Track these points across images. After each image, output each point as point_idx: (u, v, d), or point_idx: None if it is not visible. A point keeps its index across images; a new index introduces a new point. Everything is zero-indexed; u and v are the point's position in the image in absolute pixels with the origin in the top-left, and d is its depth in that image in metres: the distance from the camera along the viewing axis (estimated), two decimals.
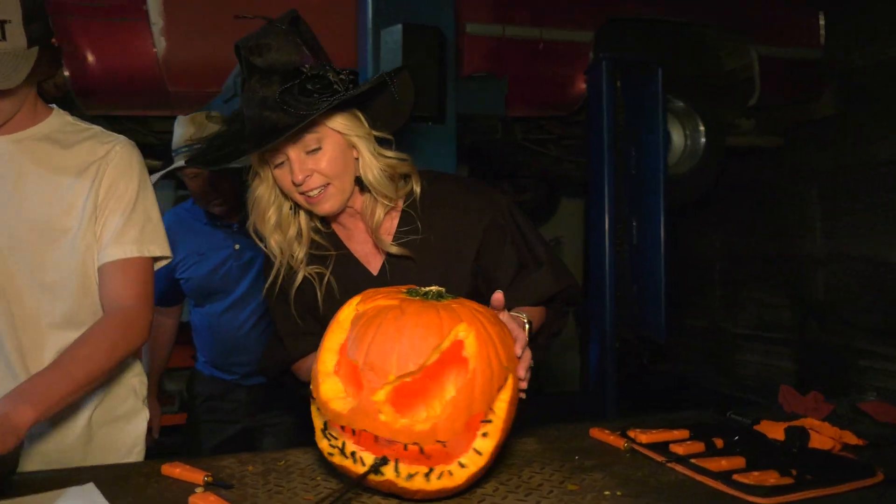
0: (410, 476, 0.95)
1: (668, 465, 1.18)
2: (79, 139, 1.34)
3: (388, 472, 0.96)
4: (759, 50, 3.83)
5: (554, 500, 1.03)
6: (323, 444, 1.04)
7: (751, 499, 1.01)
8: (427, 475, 0.95)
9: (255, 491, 1.07)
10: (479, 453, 0.95)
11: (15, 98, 1.23)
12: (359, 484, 0.99)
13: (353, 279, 1.39)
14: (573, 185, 4.94)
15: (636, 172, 3.11)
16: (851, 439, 1.30)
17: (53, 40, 1.27)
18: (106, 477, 1.12)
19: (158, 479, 1.11)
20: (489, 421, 0.96)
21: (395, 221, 1.38)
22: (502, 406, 0.98)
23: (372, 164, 1.30)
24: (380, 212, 1.33)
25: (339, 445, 1.01)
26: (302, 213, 1.36)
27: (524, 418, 1.15)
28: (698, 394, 2.79)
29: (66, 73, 2.94)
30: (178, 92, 3.19)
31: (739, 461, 1.15)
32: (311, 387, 1.06)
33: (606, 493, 1.06)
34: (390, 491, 0.99)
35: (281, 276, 1.36)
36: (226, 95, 2.58)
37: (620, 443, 1.29)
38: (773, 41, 3.90)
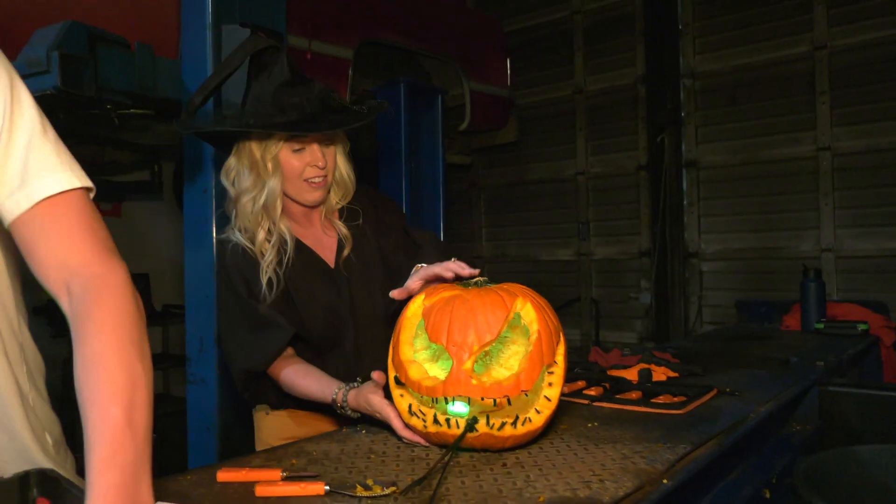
0: (502, 426, 1.16)
1: (595, 404, 1.58)
2: None
3: (482, 426, 1.15)
4: (471, 84, 4.60)
5: (563, 435, 1.33)
6: (414, 422, 1.18)
7: (673, 412, 1.48)
8: (514, 423, 1.17)
9: (345, 475, 1.12)
10: (549, 399, 1.20)
11: None
12: (457, 444, 1.14)
13: (311, 270, 1.56)
14: None
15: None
16: (670, 374, 1.89)
17: None
18: (166, 493, 1.03)
19: (217, 487, 1.06)
20: (552, 372, 1.21)
21: (342, 215, 1.64)
22: (560, 358, 1.23)
23: (346, 166, 1.62)
24: (333, 198, 1.61)
25: (430, 418, 1.15)
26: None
27: None
28: None
29: None
30: None
31: (638, 394, 1.61)
32: (396, 375, 1.20)
33: (589, 425, 1.40)
34: (484, 445, 1.18)
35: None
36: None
37: None
38: (479, 78, 4.72)
